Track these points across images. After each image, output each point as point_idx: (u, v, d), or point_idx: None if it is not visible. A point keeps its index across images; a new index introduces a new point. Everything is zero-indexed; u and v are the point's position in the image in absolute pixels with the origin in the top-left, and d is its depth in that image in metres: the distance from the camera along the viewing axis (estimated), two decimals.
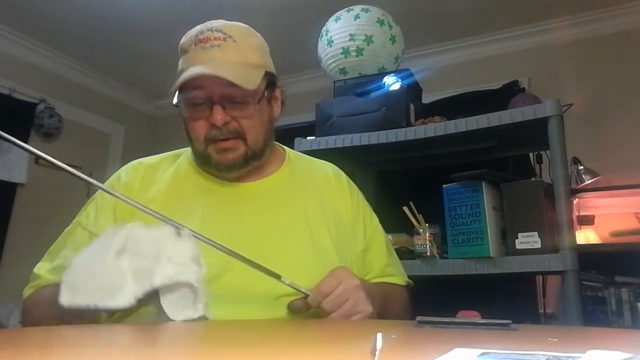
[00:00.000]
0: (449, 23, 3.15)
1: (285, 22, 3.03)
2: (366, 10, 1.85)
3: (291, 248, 0.88)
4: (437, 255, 1.43)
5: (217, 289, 0.69)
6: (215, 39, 0.84)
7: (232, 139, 0.86)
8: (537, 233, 1.30)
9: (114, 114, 4.18)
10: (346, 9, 1.89)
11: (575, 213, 2.34)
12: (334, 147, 1.65)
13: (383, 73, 1.77)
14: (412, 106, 1.63)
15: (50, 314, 0.73)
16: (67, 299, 0.57)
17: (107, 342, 0.47)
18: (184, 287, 0.60)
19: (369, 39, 1.79)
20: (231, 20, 0.91)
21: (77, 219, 0.91)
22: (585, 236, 2.51)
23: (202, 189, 0.92)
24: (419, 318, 0.58)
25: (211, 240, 0.68)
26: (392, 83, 1.66)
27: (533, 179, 1.60)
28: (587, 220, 2.46)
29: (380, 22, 1.83)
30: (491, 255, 1.32)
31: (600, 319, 2.00)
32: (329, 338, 0.55)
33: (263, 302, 0.79)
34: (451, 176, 1.41)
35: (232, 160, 0.87)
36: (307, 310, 0.75)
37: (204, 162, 0.90)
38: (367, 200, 1.07)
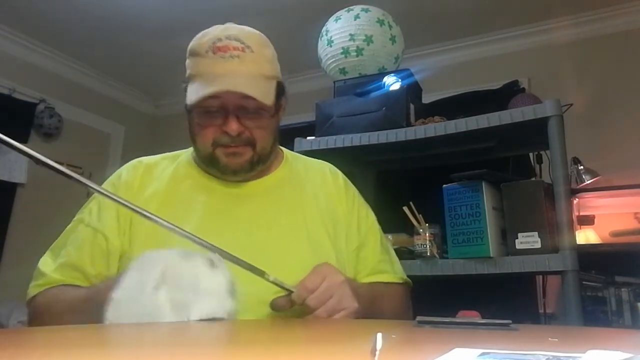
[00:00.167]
0: (449, 23, 3.15)
1: (285, 22, 3.03)
2: (366, 10, 1.85)
3: (288, 246, 0.89)
4: (437, 255, 1.43)
5: None
6: (234, 48, 0.84)
7: (242, 145, 0.88)
8: (537, 233, 1.30)
9: (114, 114, 4.18)
10: (346, 9, 1.89)
11: (575, 213, 2.34)
12: (334, 147, 1.65)
13: (383, 73, 1.77)
14: (412, 106, 1.63)
15: (65, 323, 0.74)
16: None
17: (108, 342, 0.47)
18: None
19: (369, 39, 1.79)
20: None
21: (78, 216, 0.92)
22: (585, 236, 2.51)
23: (201, 188, 0.92)
24: (419, 318, 0.58)
25: (192, 235, 0.68)
26: (392, 83, 1.66)
27: (533, 179, 1.60)
28: (587, 220, 2.46)
29: (380, 22, 1.83)
30: (491, 255, 1.32)
31: (600, 319, 2.01)
32: (329, 338, 0.55)
33: (248, 302, 0.78)
34: (451, 176, 1.41)
35: (240, 164, 0.89)
36: (291, 308, 0.73)
37: (210, 164, 0.90)
38: (367, 200, 1.07)
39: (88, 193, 0.80)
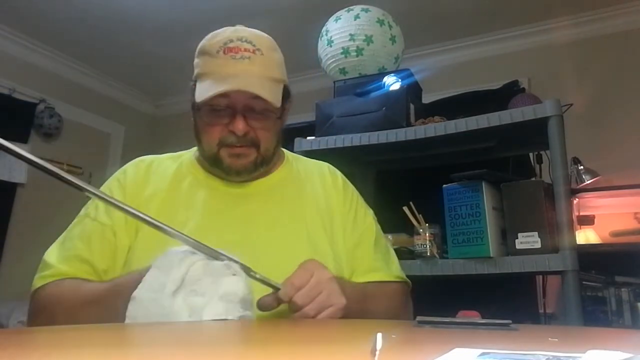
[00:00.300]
0: (449, 23, 3.15)
1: (286, 22, 3.03)
2: (366, 10, 1.85)
3: (289, 246, 0.89)
4: (437, 255, 1.43)
5: None
6: (245, 50, 0.86)
7: (246, 146, 0.89)
8: (537, 233, 1.30)
9: (114, 114, 4.18)
10: (346, 9, 1.89)
11: (575, 213, 2.34)
12: (334, 147, 1.65)
13: (383, 73, 1.77)
14: (412, 106, 1.63)
15: (79, 317, 0.74)
16: None
17: (108, 342, 0.47)
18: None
19: (369, 39, 1.79)
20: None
21: (84, 211, 0.92)
22: (585, 236, 2.51)
23: (202, 186, 0.93)
24: (419, 318, 0.58)
25: (173, 229, 0.68)
26: (392, 83, 1.66)
27: (533, 179, 1.60)
28: (587, 220, 2.46)
29: (380, 22, 1.83)
30: (491, 255, 1.32)
31: (600, 319, 2.01)
32: (329, 338, 0.55)
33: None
34: (451, 176, 1.41)
35: (243, 165, 0.90)
36: (278, 306, 0.72)
37: (214, 164, 0.91)
38: (367, 200, 1.07)
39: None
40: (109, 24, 3.22)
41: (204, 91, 0.85)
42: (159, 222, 0.68)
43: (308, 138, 1.72)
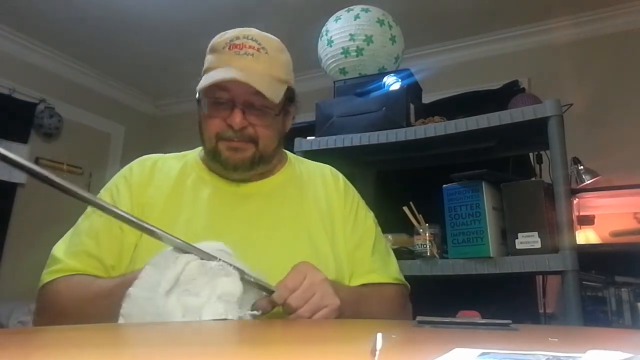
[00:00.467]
0: (449, 23, 3.15)
1: (286, 22, 3.03)
2: (366, 10, 1.85)
3: (290, 247, 0.89)
4: (437, 255, 1.43)
5: None
6: (249, 47, 0.88)
7: (244, 141, 0.89)
8: (537, 233, 1.30)
9: (114, 114, 4.18)
10: (346, 9, 1.89)
11: (575, 213, 2.34)
12: (334, 147, 1.65)
13: (383, 73, 1.77)
14: (412, 106, 1.63)
15: (90, 311, 0.75)
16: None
17: (108, 342, 0.47)
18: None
19: (369, 39, 1.79)
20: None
21: (90, 208, 0.91)
22: (585, 236, 2.51)
23: (205, 185, 0.94)
24: (419, 318, 0.58)
25: (164, 232, 0.68)
26: (392, 83, 1.66)
27: (533, 179, 1.60)
28: (587, 220, 2.46)
29: (380, 22, 1.83)
30: (491, 255, 1.32)
31: (600, 319, 2.00)
32: (329, 338, 0.55)
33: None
34: (451, 176, 1.41)
35: (240, 160, 0.90)
36: (272, 309, 0.72)
37: (213, 157, 0.92)
38: (367, 200, 1.07)
39: (89, 191, 0.80)
40: (108, 24, 3.22)
41: (204, 80, 0.87)
42: (150, 225, 0.68)
43: (308, 138, 1.72)
